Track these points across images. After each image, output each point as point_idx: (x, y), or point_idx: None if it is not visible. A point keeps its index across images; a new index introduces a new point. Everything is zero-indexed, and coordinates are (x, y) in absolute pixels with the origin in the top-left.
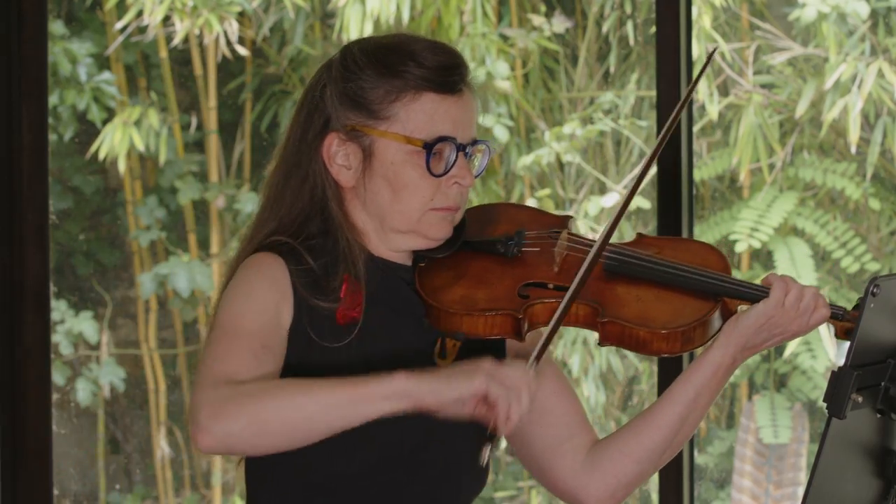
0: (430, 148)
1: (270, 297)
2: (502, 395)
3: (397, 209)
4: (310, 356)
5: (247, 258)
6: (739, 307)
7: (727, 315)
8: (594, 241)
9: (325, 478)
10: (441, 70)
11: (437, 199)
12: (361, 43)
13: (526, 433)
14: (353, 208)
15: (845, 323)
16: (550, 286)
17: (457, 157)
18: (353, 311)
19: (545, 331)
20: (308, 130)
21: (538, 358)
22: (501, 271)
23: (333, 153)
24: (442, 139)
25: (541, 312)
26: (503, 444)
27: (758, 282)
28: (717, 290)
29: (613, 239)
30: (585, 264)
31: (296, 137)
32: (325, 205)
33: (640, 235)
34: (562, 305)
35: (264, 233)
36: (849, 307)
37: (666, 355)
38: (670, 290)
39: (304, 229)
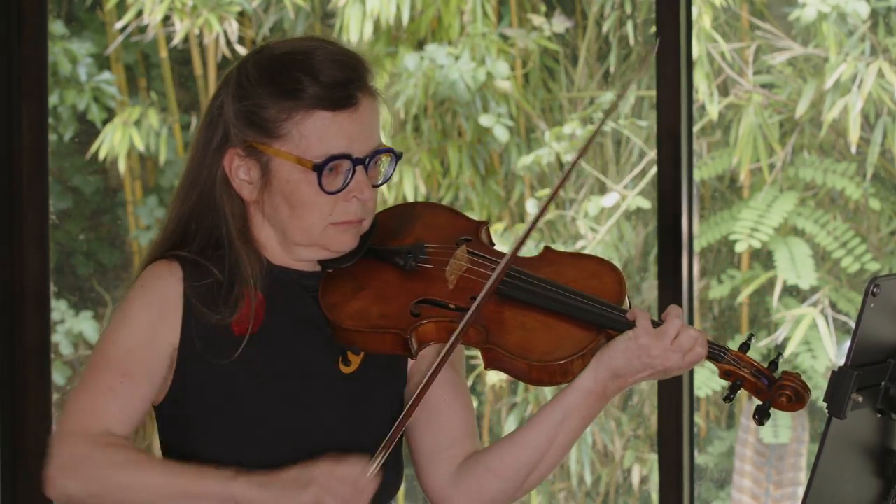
0: (320, 169)
1: (147, 317)
2: (332, 503)
3: (297, 225)
4: (203, 373)
5: (148, 268)
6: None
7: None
8: (493, 259)
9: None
10: (334, 87)
11: (335, 214)
12: (258, 56)
13: (413, 433)
14: (256, 221)
15: (725, 365)
16: (447, 304)
17: (354, 171)
18: (252, 323)
19: (408, 404)
20: (210, 143)
21: (382, 458)
22: (398, 285)
23: (235, 168)
24: (334, 158)
25: (430, 332)
26: None
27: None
28: (601, 321)
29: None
30: (474, 306)
31: (199, 150)
32: (226, 218)
33: (546, 249)
34: (441, 354)
35: (168, 245)
36: (756, 340)
37: (548, 385)
38: (556, 318)
39: (207, 240)
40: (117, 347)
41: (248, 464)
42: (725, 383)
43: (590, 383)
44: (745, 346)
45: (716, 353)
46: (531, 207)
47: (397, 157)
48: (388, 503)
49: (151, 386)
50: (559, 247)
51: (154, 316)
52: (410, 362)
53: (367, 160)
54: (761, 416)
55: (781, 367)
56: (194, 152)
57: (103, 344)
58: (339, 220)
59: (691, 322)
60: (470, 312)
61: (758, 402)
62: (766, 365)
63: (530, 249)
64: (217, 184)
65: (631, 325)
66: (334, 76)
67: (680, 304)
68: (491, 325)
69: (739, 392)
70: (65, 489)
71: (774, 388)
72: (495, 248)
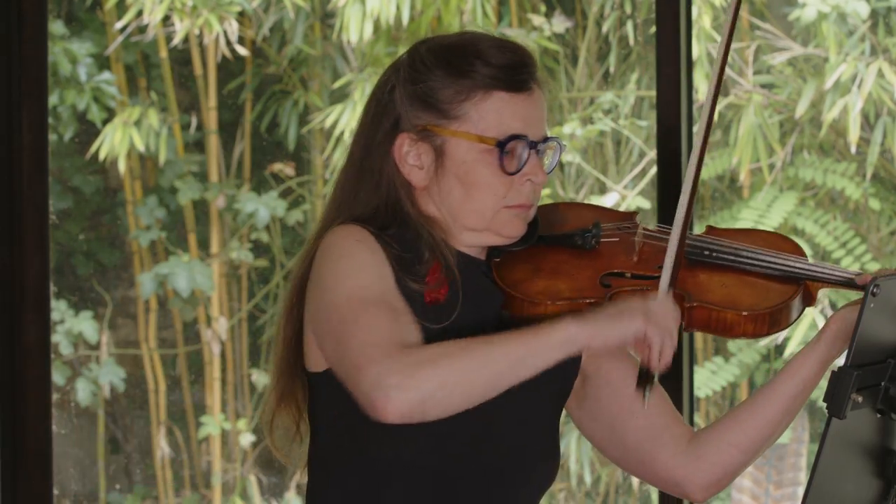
0: (502, 146)
1: (380, 261)
2: (657, 334)
3: (470, 207)
4: None
5: (330, 232)
6: (820, 291)
7: (808, 298)
8: (665, 232)
9: (393, 461)
10: (509, 68)
11: (510, 197)
12: (428, 43)
13: (619, 429)
14: (426, 207)
15: None
16: (629, 275)
17: (529, 154)
18: (441, 293)
19: (668, 255)
20: (377, 131)
21: (671, 284)
22: (579, 263)
23: (405, 153)
24: (514, 137)
25: (627, 298)
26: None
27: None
28: (798, 274)
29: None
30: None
31: (365, 139)
32: (399, 204)
33: (710, 228)
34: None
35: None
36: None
37: (751, 338)
38: (752, 276)
39: (377, 223)
40: (370, 289)
41: (408, 449)
42: (726, 383)
43: (825, 352)
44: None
45: None
46: None
47: (562, 147)
48: (537, 497)
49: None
50: None
51: (381, 261)
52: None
53: (541, 144)
54: None
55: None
56: (361, 139)
57: (348, 293)
58: (513, 203)
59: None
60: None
61: None
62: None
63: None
64: (389, 170)
65: (827, 276)
66: (507, 59)
67: None
68: (690, 288)
69: None
70: (413, 395)
71: None
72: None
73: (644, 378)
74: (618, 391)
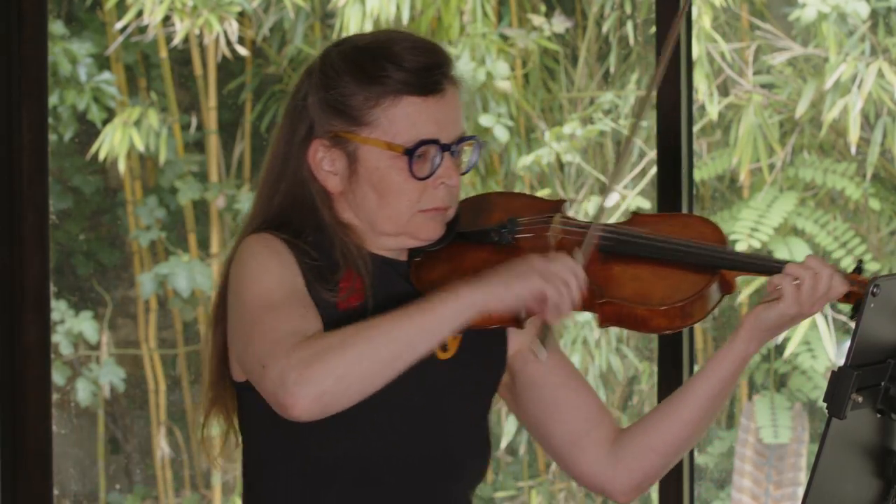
0: (411, 153)
1: (285, 266)
2: (556, 293)
3: (385, 213)
4: None
5: (246, 239)
6: (737, 278)
7: (726, 287)
8: (585, 226)
9: (324, 463)
10: (421, 72)
11: (424, 201)
12: (341, 46)
13: (543, 429)
14: (342, 211)
15: (852, 287)
16: None
17: (442, 158)
18: (354, 299)
19: (589, 232)
20: (293, 137)
21: (586, 253)
22: (497, 260)
23: (319, 160)
24: (424, 143)
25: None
26: (513, 433)
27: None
28: (713, 262)
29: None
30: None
31: (282, 144)
32: (314, 210)
33: (635, 214)
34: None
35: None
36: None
37: (667, 332)
38: (667, 267)
39: (298, 230)
40: (280, 290)
41: (337, 449)
42: None
43: (743, 351)
44: (859, 270)
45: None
46: None
47: (480, 145)
48: (471, 489)
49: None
50: None
51: (292, 268)
52: (510, 348)
53: (455, 146)
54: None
55: (782, 367)
56: (278, 146)
57: (259, 295)
58: (428, 206)
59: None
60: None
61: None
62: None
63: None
64: (306, 175)
65: (743, 264)
66: (419, 62)
67: None
68: (603, 283)
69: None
70: (313, 390)
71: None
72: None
73: (542, 331)
74: (540, 392)
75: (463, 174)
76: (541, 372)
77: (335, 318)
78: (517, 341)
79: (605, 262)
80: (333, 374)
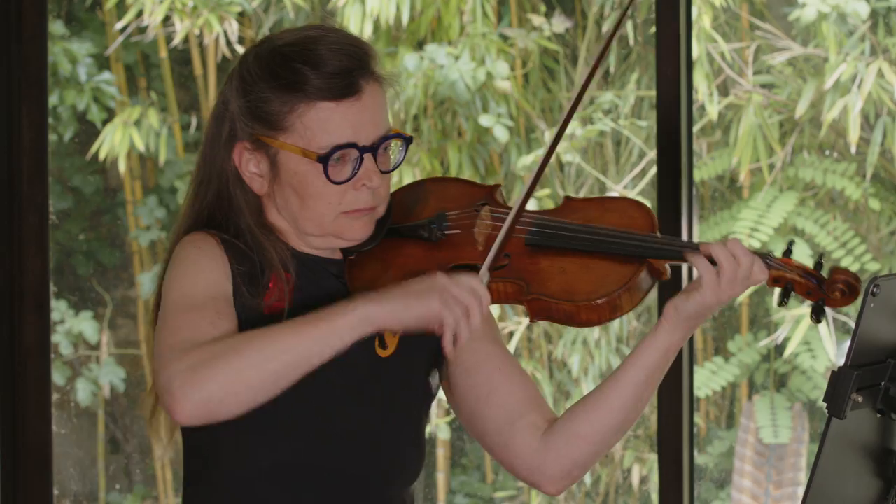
0: (325, 160)
1: (216, 269)
2: (453, 319)
3: (307, 216)
4: None
5: (182, 239)
6: (667, 265)
7: (655, 274)
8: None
9: (262, 464)
10: (335, 76)
11: (346, 203)
12: (260, 48)
13: (476, 415)
14: (271, 212)
15: (773, 271)
16: (479, 266)
17: (361, 160)
18: (279, 303)
19: (496, 242)
20: (218, 139)
21: (491, 267)
22: (428, 257)
23: (245, 162)
24: (339, 147)
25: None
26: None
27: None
28: (640, 252)
29: (540, 208)
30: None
31: (208, 146)
32: (240, 211)
33: (567, 199)
34: (503, 230)
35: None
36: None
37: (598, 325)
38: (594, 258)
39: (225, 230)
40: (201, 293)
41: (276, 450)
42: (726, 383)
43: (667, 341)
44: (789, 252)
45: (765, 262)
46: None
47: (407, 140)
48: (409, 486)
49: (235, 331)
50: None
51: (221, 271)
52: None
53: (376, 147)
54: (818, 314)
55: (782, 367)
56: (204, 148)
57: (181, 294)
58: (350, 208)
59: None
60: (507, 225)
61: (810, 302)
62: (812, 266)
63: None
64: (230, 178)
65: (675, 252)
66: (336, 65)
67: None
68: (529, 277)
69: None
70: (197, 396)
71: (826, 284)
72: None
73: (435, 360)
74: (475, 379)
75: (389, 172)
76: (476, 359)
77: (260, 321)
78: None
79: (532, 256)
80: (218, 382)
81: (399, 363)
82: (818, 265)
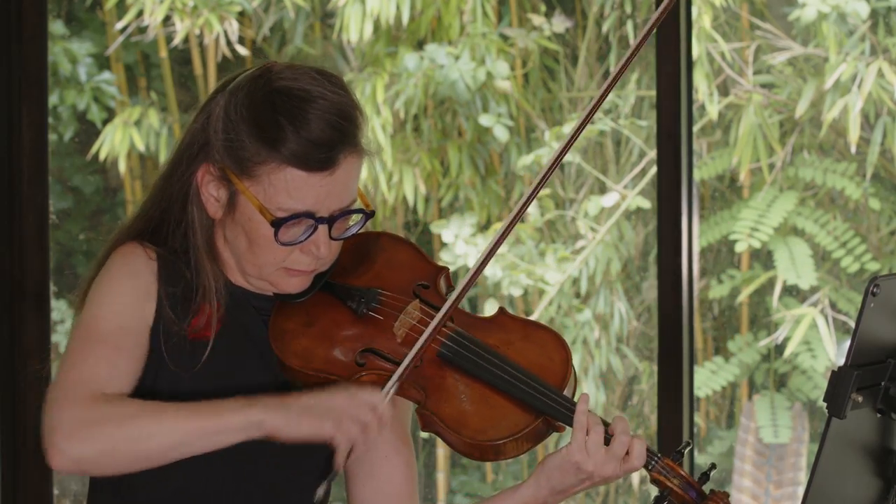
0: (278, 225)
1: (133, 293)
2: (346, 441)
3: (250, 259)
4: (154, 371)
5: (120, 245)
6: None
7: (551, 427)
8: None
9: (148, 499)
10: (315, 146)
11: (289, 262)
12: (253, 85)
13: (354, 484)
14: (219, 238)
15: (654, 473)
16: (392, 358)
17: (313, 230)
18: (206, 331)
19: (406, 358)
20: (192, 147)
21: (398, 381)
22: (348, 328)
23: (206, 182)
24: (296, 216)
25: (373, 384)
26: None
27: None
28: (542, 408)
29: (472, 309)
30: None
31: (181, 150)
32: (191, 229)
33: (500, 311)
34: (392, 379)
35: (140, 234)
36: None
37: (479, 461)
38: (497, 394)
39: (177, 242)
40: (108, 321)
41: (170, 484)
42: (726, 383)
43: (530, 497)
44: (679, 455)
45: (648, 460)
46: (531, 208)
47: (368, 216)
48: None
49: (139, 365)
50: (559, 248)
51: (141, 295)
52: None
53: (333, 219)
54: None
55: (782, 367)
56: (177, 151)
57: (91, 317)
58: (292, 267)
59: (691, 322)
60: (403, 365)
61: None
62: (697, 477)
63: (486, 309)
64: (191, 193)
65: (567, 416)
66: (319, 136)
67: (679, 304)
68: (431, 388)
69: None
70: (72, 453)
71: (704, 502)
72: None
73: (324, 472)
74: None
75: (339, 240)
76: (370, 456)
77: (184, 347)
78: None
79: (440, 367)
80: (99, 447)
81: (283, 445)
82: (704, 476)
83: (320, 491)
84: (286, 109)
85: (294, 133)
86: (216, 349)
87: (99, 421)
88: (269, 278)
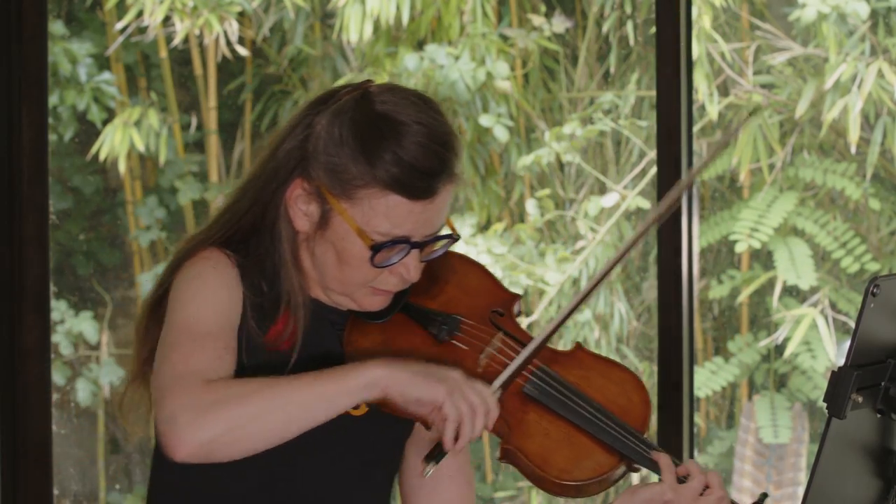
0: (377, 249)
1: (228, 294)
2: (455, 414)
3: (337, 276)
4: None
5: (202, 251)
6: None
7: (631, 469)
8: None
9: (227, 494)
10: (419, 175)
11: (377, 282)
12: (357, 106)
13: (412, 499)
14: (302, 251)
15: None
16: None
17: (407, 254)
18: (282, 343)
19: (509, 367)
20: (287, 160)
21: (504, 386)
22: (428, 353)
23: (297, 197)
24: (395, 241)
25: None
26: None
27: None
28: (626, 451)
29: (555, 341)
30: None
31: (273, 161)
32: (277, 242)
33: (577, 346)
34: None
35: (219, 242)
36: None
37: (558, 496)
38: (581, 434)
39: (254, 251)
40: (209, 319)
41: (238, 487)
42: (726, 383)
43: None
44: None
45: None
46: (531, 208)
47: (455, 240)
48: None
49: (236, 362)
50: (559, 249)
51: (234, 297)
52: (416, 428)
53: (426, 243)
54: None
55: (782, 367)
56: (268, 162)
57: (189, 316)
58: (379, 287)
59: (691, 323)
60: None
61: None
62: None
63: (561, 343)
64: (282, 204)
65: (652, 463)
66: (422, 165)
67: (679, 304)
68: (514, 423)
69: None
70: (200, 436)
71: None
72: (526, 328)
73: (433, 451)
74: (409, 473)
75: (425, 261)
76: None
77: (262, 358)
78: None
79: (524, 403)
80: (225, 426)
81: (371, 424)
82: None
83: (427, 471)
84: (391, 134)
85: (397, 160)
86: (290, 363)
87: (220, 401)
88: (352, 295)
